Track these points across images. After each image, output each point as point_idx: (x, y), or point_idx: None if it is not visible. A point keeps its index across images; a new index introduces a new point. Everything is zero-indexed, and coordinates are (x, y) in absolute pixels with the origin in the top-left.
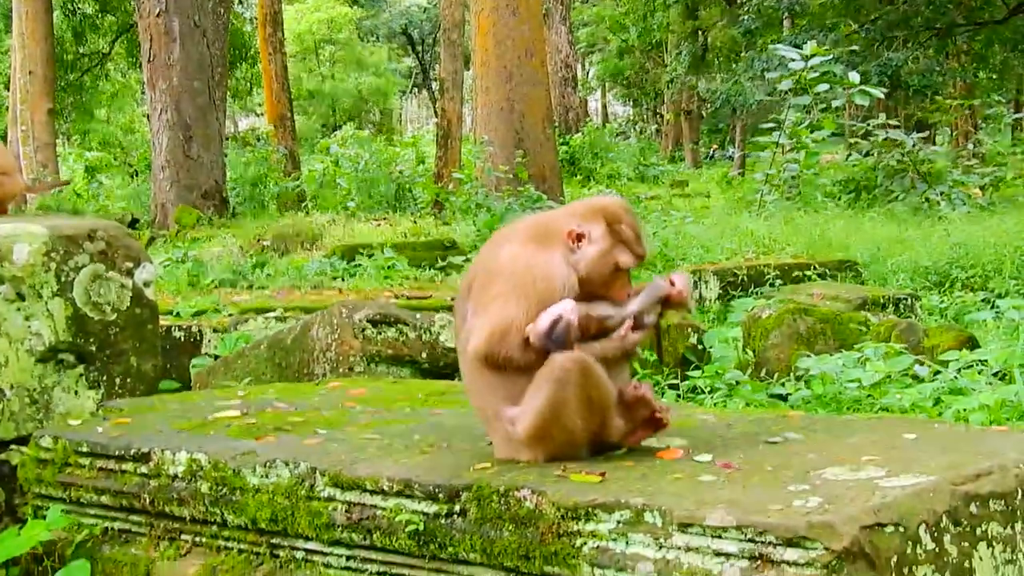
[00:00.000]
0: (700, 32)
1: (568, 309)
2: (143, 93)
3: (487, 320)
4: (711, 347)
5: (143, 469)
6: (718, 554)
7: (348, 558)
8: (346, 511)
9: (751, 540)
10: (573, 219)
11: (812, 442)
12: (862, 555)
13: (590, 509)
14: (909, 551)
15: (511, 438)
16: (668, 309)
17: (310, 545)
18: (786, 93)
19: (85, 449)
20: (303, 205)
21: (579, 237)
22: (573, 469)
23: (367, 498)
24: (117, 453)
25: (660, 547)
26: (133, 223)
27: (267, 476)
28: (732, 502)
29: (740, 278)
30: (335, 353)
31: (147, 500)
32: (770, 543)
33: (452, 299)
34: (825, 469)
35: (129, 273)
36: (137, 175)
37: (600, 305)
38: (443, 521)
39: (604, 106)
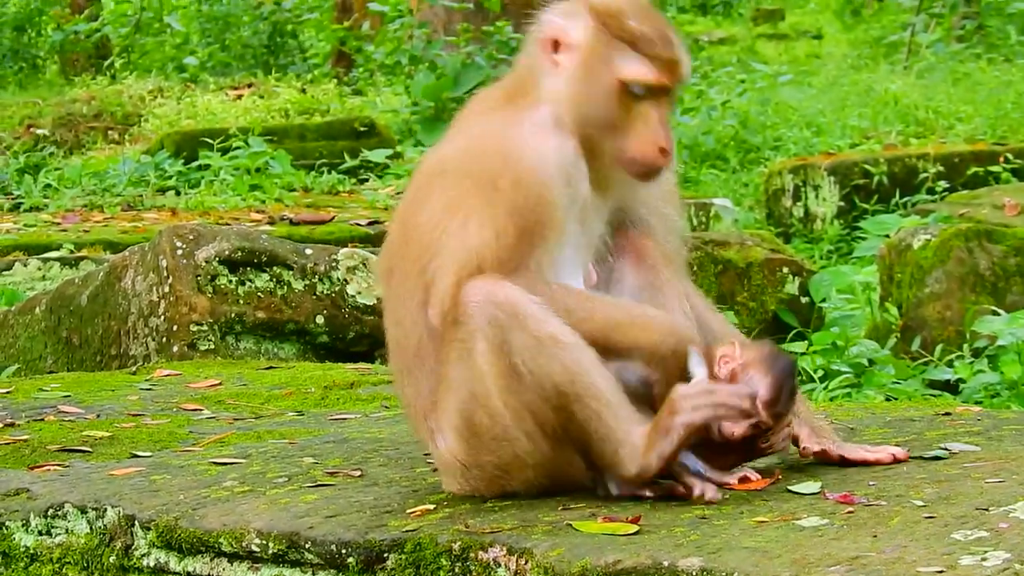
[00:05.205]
0: None
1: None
2: None
3: (448, 261)
4: (823, 300)
5: None
6: None
7: None
8: None
9: None
10: (551, 20)
11: (994, 459)
12: None
13: None
14: None
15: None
16: None
17: None
18: None
19: None
20: (106, 65)
21: (555, 46)
22: (583, 509)
23: (223, 568)
24: None
25: None
26: None
27: (50, 533)
28: (855, 565)
29: (875, 179)
30: (165, 318)
31: None
32: None
33: (371, 223)
34: (1016, 504)
35: None
36: None
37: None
38: None
39: None
